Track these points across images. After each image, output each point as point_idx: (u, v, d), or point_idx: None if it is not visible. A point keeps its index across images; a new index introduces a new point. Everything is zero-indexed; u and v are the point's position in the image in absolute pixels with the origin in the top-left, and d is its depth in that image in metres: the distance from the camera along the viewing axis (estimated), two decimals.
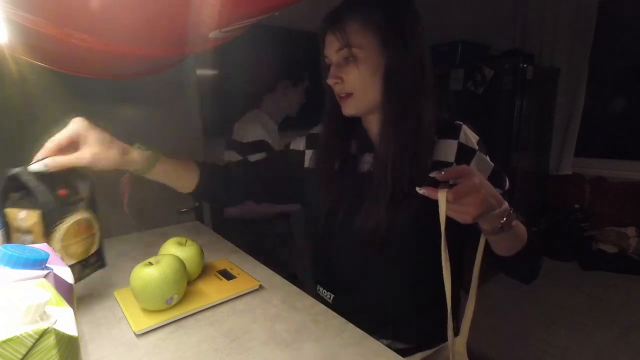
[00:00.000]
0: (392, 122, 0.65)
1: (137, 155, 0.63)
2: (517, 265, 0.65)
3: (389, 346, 0.53)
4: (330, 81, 0.66)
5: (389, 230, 0.66)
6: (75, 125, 0.57)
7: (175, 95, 1.32)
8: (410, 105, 0.65)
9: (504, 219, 0.54)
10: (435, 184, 0.53)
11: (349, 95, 0.66)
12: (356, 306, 0.72)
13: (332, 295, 0.80)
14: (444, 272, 0.56)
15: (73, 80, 0.87)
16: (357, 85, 0.65)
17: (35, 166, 0.53)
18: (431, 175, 0.52)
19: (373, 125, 0.72)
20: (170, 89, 1.29)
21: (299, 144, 0.83)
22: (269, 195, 0.83)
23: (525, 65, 2.33)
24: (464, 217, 0.51)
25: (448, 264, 0.55)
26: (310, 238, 0.87)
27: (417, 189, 0.53)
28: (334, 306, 0.65)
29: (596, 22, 2.54)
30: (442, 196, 0.50)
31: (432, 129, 0.67)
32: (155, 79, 1.17)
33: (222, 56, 2.02)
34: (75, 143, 0.57)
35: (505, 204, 0.55)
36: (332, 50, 0.65)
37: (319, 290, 0.84)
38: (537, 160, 2.78)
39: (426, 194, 0.52)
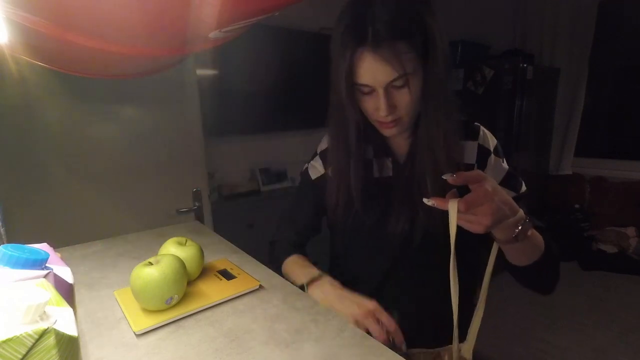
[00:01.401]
0: (428, 132, 0.62)
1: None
2: (533, 275, 0.61)
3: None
4: (383, 114, 0.59)
5: (424, 229, 0.64)
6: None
7: (175, 95, 1.32)
8: (444, 106, 0.61)
9: (519, 227, 0.51)
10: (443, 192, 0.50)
11: (397, 120, 0.61)
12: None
13: None
14: (451, 286, 0.53)
15: (73, 80, 0.87)
16: (408, 109, 0.59)
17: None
18: (443, 177, 0.48)
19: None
20: (170, 89, 1.29)
21: (316, 168, 0.78)
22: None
23: (525, 65, 2.33)
24: (476, 227, 0.48)
25: (456, 279, 0.53)
26: (330, 262, 0.85)
27: (425, 200, 0.50)
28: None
29: (596, 22, 2.54)
30: (452, 206, 0.47)
31: (459, 128, 0.65)
32: (155, 79, 1.17)
33: (222, 56, 2.02)
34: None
35: (521, 212, 0.51)
36: (383, 80, 0.56)
37: None
38: (537, 160, 2.78)
39: (435, 204, 0.49)
